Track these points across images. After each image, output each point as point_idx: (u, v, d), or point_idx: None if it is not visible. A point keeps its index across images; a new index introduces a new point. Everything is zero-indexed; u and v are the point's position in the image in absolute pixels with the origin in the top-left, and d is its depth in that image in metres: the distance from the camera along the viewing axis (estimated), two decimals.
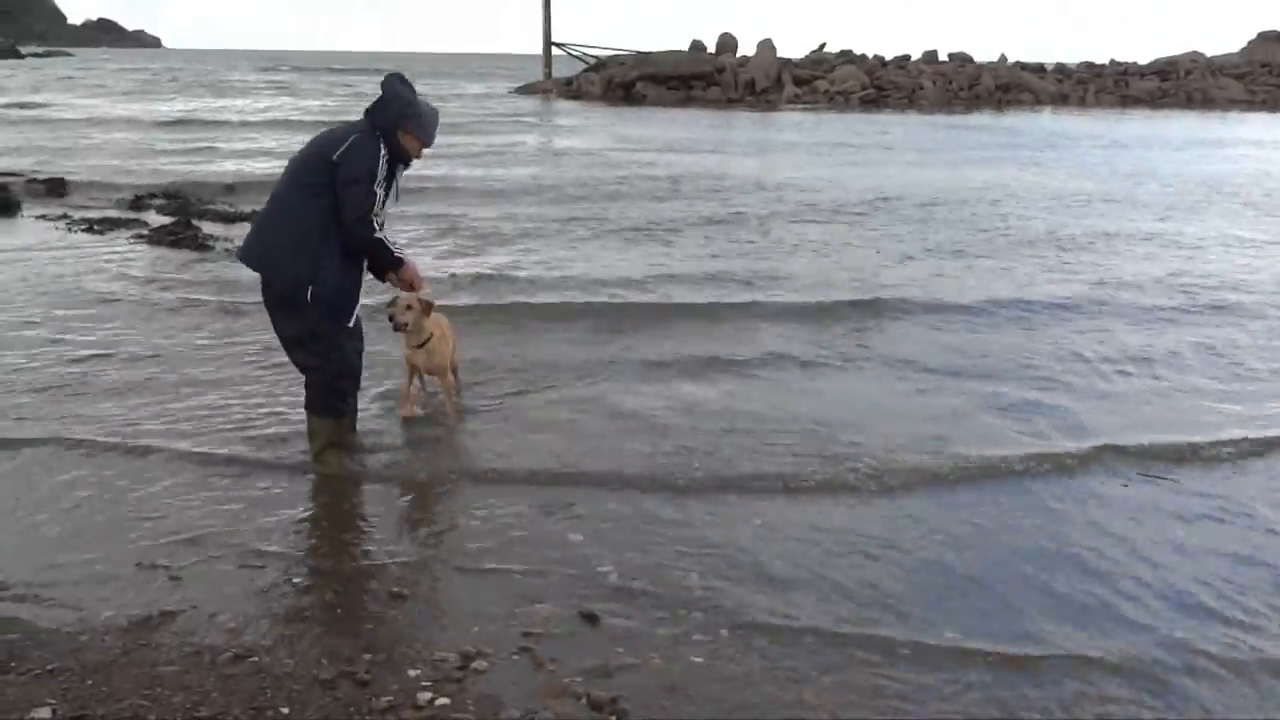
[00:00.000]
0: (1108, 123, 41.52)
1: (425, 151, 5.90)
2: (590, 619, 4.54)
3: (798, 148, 28.18)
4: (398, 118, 5.70)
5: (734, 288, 11.01)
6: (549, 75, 57.92)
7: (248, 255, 5.81)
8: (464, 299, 10.10)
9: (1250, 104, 55.40)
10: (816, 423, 6.99)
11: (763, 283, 11.20)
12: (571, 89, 54.01)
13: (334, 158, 5.58)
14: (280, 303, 5.76)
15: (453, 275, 11.11)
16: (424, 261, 9.76)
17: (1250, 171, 23.94)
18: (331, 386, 5.92)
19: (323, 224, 5.62)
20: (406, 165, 5.91)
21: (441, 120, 6.04)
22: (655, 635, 4.45)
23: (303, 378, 6.05)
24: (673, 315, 9.89)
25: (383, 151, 5.65)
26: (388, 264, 6.02)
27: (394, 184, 5.87)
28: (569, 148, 27.01)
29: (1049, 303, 10.53)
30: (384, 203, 5.79)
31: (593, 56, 58.12)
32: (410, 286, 6.20)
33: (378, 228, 5.73)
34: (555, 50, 58.86)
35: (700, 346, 8.80)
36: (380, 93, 5.74)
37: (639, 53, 54.74)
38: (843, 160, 24.77)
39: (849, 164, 23.86)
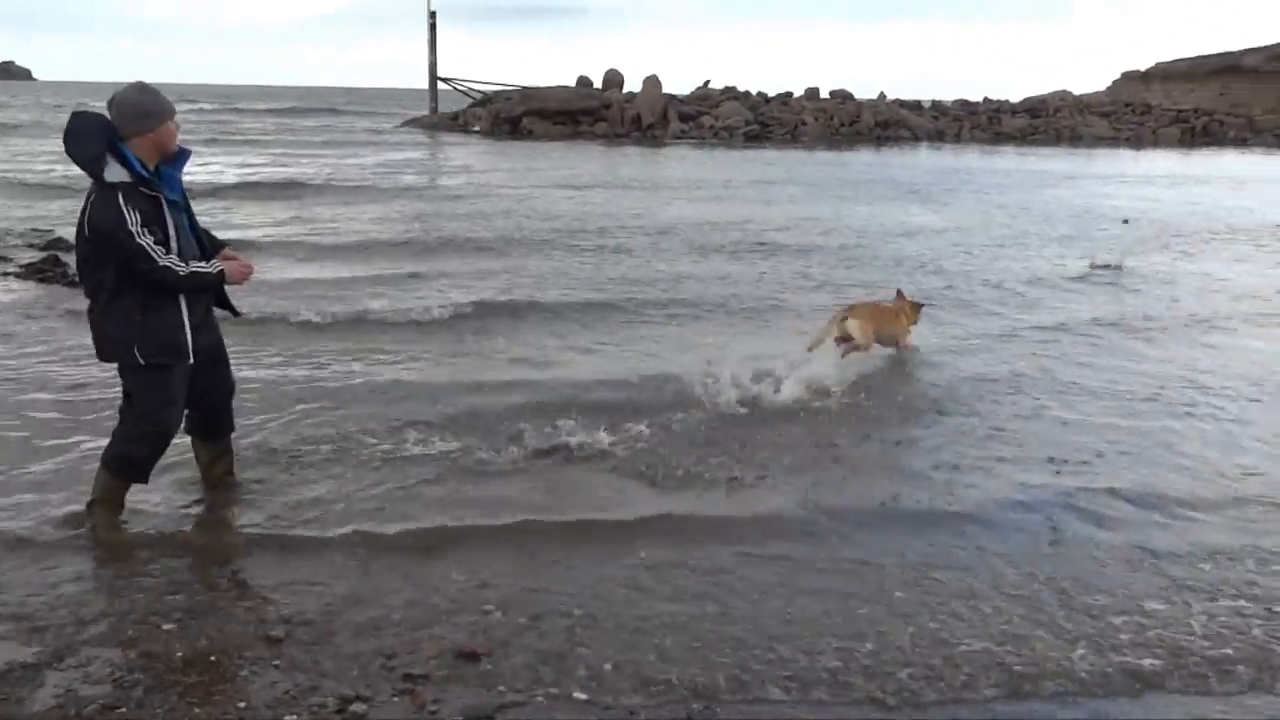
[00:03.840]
0: (1005, 159, 42.91)
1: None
2: (472, 658, 4.49)
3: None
4: (100, 148, 5.12)
5: None
6: (435, 110, 57.72)
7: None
8: None
9: (1115, 140, 57.74)
10: None
11: None
12: (458, 123, 53.94)
13: (86, 233, 5.21)
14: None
15: None
16: None
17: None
18: (126, 449, 5.58)
19: (118, 290, 5.26)
20: (173, 164, 5.40)
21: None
22: (539, 673, 4.43)
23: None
24: None
25: (119, 196, 5.10)
26: (212, 283, 5.53)
27: (162, 194, 5.28)
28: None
29: None
30: (169, 224, 5.30)
31: (479, 92, 58.08)
32: (241, 278, 5.60)
33: (162, 258, 5.19)
34: (441, 85, 58.72)
35: None
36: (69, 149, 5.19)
37: (525, 88, 54.79)
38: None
39: None
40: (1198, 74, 73.46)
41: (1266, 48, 75.28)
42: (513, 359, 9.60)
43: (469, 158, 36.24)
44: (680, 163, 36.75)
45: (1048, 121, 59.92)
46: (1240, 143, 58.26)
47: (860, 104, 56.83)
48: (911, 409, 8.23)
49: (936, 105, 63.64)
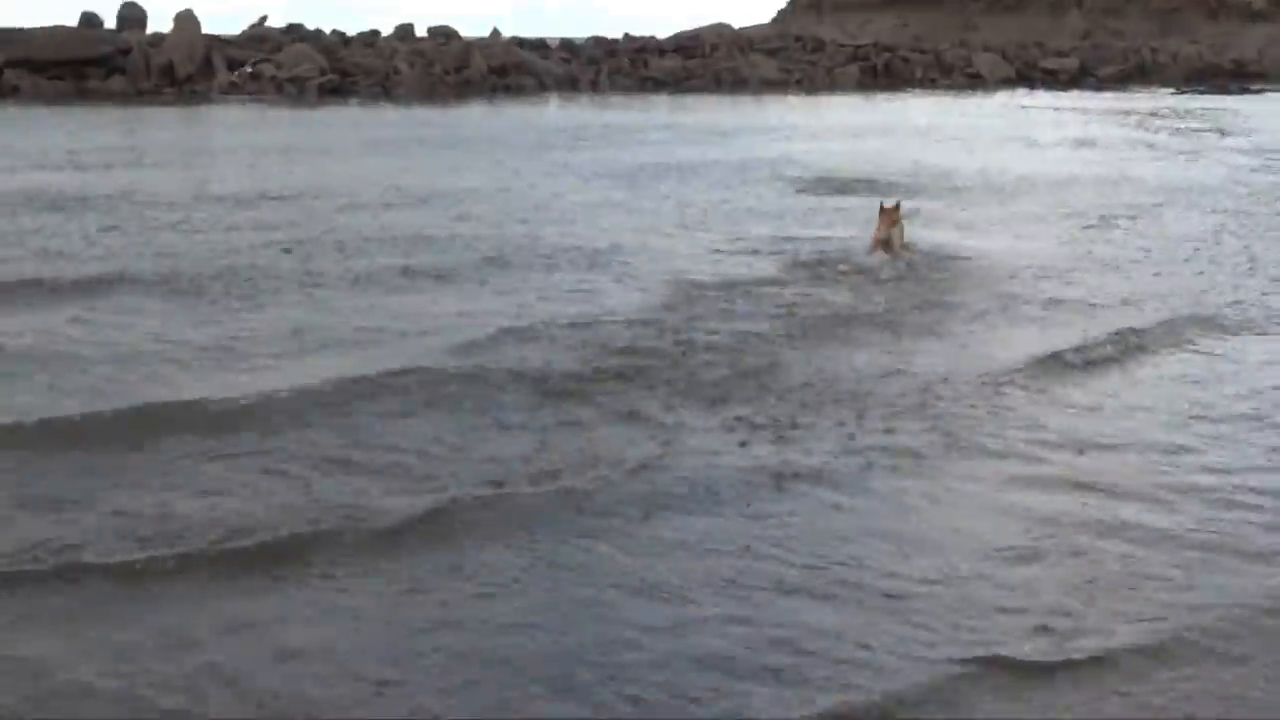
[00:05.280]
0: (658, 112, 40.84)
1: None
2: None
3: None
4: None
5: None
6: None
7: None
8: None
9: (785, 85, 56.42)
10: None
11: None
12: None
13: None
14: None
15: None
16: None
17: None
18: None
19: None
20: None
21: None
22: None
23: None
24: None
25: None
26: None
27: None
28: None
29: None
30: None
31: None
32: None
33: None
34: None
35: None
36: None
37: (3, 29, 47.32)
38: None
39: None
40: (874, 1, 73.31)
41: None
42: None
43: None
44: (236, 130, 32.60)
45: (704, 63, 57.65)
46: (929, 83, 58.70)
47: (469, 44, 53.14)
48: None
49: (567, 45, 60.06)
